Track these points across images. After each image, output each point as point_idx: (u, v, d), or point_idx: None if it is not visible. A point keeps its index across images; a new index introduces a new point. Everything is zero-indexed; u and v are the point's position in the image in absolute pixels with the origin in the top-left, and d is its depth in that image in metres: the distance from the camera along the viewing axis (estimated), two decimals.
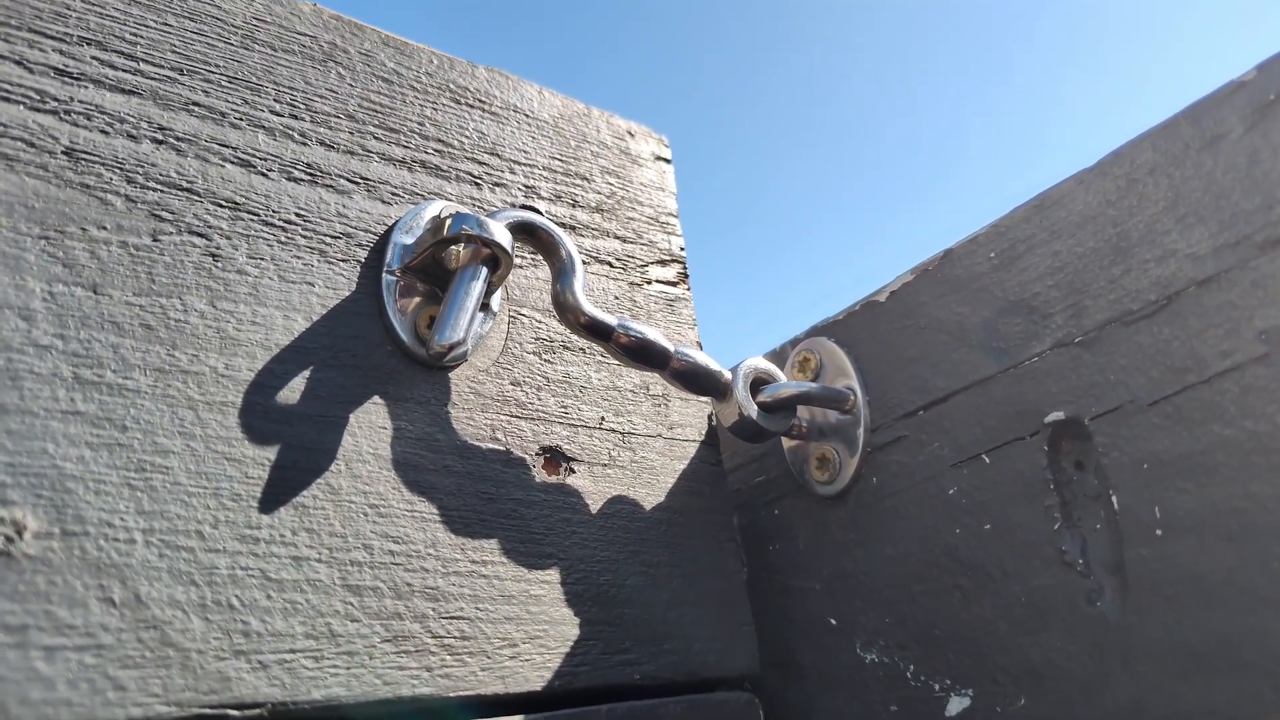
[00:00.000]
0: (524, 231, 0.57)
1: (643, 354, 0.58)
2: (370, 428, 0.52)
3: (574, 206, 0.68)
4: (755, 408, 0.61)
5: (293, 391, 0.50)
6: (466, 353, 0.57)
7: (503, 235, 0.54)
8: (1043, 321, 0.55)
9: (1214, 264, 0.47)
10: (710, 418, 0.68)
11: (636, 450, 0.63)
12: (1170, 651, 0.46)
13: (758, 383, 0.62)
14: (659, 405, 0.66)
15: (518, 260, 0.63)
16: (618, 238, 0.69)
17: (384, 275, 0.55)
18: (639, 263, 0.70)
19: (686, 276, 0.73)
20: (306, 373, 0.51)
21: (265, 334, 0.50)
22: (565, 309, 0.57)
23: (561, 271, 0.57)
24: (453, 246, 0.55)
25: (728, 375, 0.61)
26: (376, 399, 0.53)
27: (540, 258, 0.63)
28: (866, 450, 0.62)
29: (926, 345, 0.60)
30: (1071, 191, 0.55)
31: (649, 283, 0.70)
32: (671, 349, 0.59)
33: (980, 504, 0.56)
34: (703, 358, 0.60)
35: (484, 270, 0.54)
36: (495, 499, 0.55)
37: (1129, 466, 0.50)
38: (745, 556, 0.67)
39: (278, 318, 0.51)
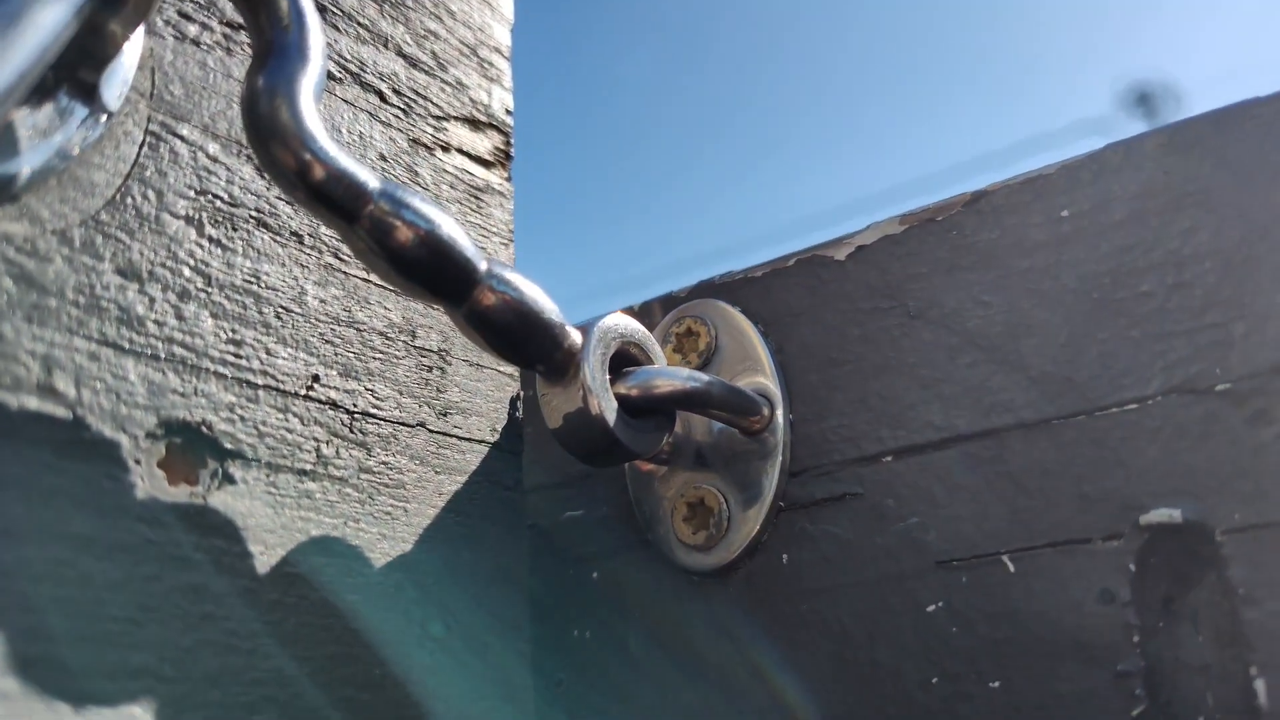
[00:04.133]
0: None
1: (421, 262, 0.28)
2: None
3: None
4: (614, 404, 0.33)
5: None
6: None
7: None
8: (1155, 343, 0.31)
9: None
10: (514, 401, 0.40)
11: (374, 450, 0.33)
12: None
13: (621, 361, 0.34)
14: (429, 369, 0.36)
15: (183, 18, 0.31)
16: (403, 55, 0.39)
17: None
18: (433, 110, 0.39)
19: (509, 159, 0.43)
20: None
21: None
22: (275, 133, 0.26)
23: (276, 49, 0.26)
24: None
25: (575, 337, 0.32)
26: None
27: (234, 20, 0.32)
28: (778, 504, 0.36)
29: (917, 347, 0.35)
30: (1231, 129, 0.31)
31: (445, 149, 0.40)
32: (485, 267, 0.30)
33: (989, 644, 0.31)
34: (535, 294, 0.31)
35: None
36: (30, 539, 0.23)
37: None
38: (531, 652, 0.38)
39: None
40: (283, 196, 0.31)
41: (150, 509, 0.26)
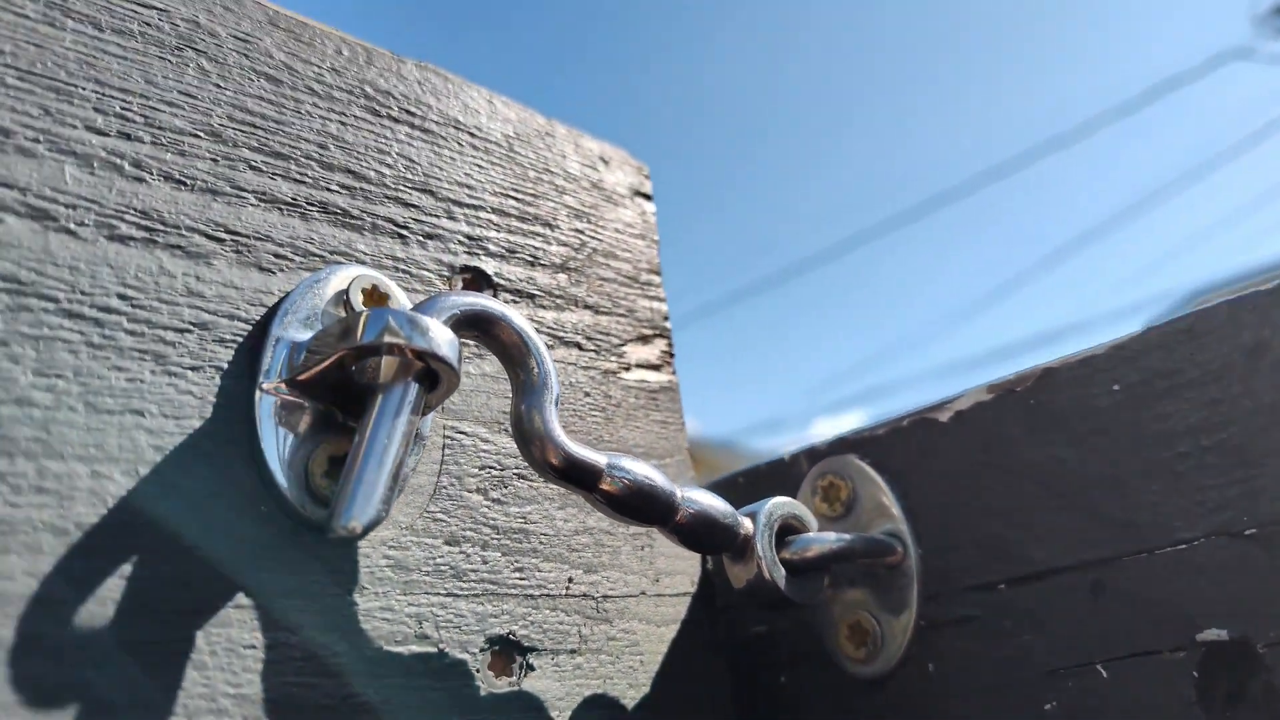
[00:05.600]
0: (476, 327, 0.39)
1: (638, 506, 0.40)
2: (228, 651, 0.33)
3: (533, 265, 0.49)
4: (783, 572, 0.44)
5: (102, 605, 0.31)
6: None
7: (447, 345, 0.36)
8: (1195, 494, 0.40)
9: None
10: (704, 558, 0.52)
11: (614, 621, 0.46)
12: None
13: (783, 531, 0.46)
14: (642, 549, 0.49)
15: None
16: (587, 307, 0.51)
17: (259, 394, 0.36)
18: (614, 341, 0.52)
19: (672, 356, 0.55)
20: (125, 569, 0.32)
21: (59, 507, 0.31)
22: (531, 439, 0.39)
23: (528, 387, 0.39)
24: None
25: (747, 526, 0.44)
26: (241, 599, 0.34)
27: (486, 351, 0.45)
28: (920, 623, 0.47)
29: (1012, 495, 0.45)
30: (1238, 319, 0.40)
31: (627, 369, 0.52)
32: (677, 495, 0.42)
33: None
34: (716, 504, 0.43)
35: (414, 389, 0.36)
36: None
37: None
38: None
39: (82, 477, 0.32)
40: (542, 476, 0.44)
41: (489, 701, 0.39)
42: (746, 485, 0.56)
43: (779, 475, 0.55)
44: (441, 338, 0.36)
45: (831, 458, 0.52)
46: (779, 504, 0.46)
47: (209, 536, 0.34)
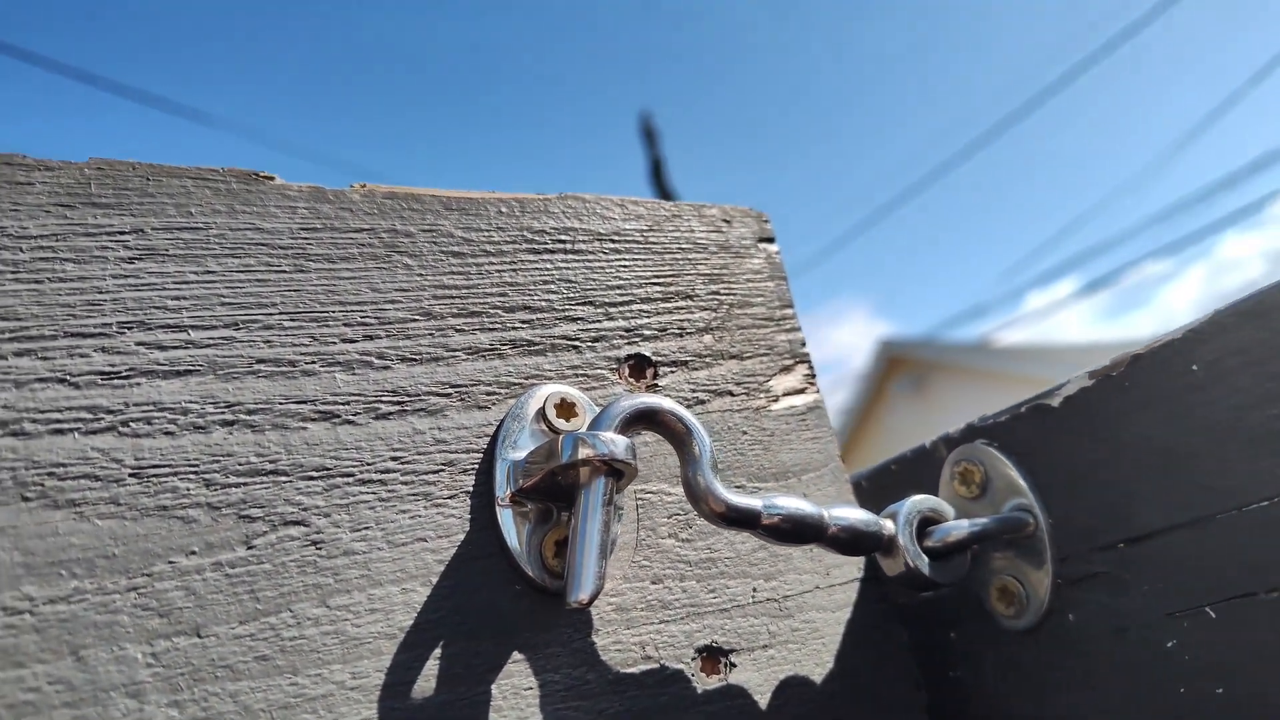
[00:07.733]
0: (642, 421, 0.50)
1: (794, 533, 0.51)
2: (514, 694, 0.47)
3: (681, 337, 0.60)
4: (926, 560, 0.54)
5: (427, 680, 0.45)
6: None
7: (623, 449, 0.47)
8: (1271, 457, 0.46)
9: None
10: None
11: (795, 615, 0.57)
12: None
13: (924, 524, 0.55)
14: (811, 551, 0.59)
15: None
16: (733, 356, 0.62)
17: (498, 509, 0.49)
18: (760, 379, 0.62)
19: (814, 377, 0.65)
20: (437, 652, 0.46)
21: (386, 619, 0.45)
22: (700, 499, 0.50)
23: (691, 457, 0.50)
24: None
25: (890, 527, 0.54)
26: (516, 655, 0.48)
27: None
28: (1056, 581, 0.55)
29: (1121, 468, 0.52)
30: None
31: (775, 400, 0.62)
32: (825, 516, 0.52)
33: (1210, 664, 0.48)
34: (858, 516, 0.53)
35: (605, 483, 0.48)
36: None
37: None
38: (922, 679, 0.61)
39: (395, 595, 0.46)
40: (711, 524, 0.56)
41: (705, 696, 0.52)
42: (899, 471, 0.65)
43: (924, 461, 0.63)
44: (619, 444, 0.47)
45: (964, 445, 0.60)
46: (915, 503, 0.55)
47: (484, 616, 0.48)
